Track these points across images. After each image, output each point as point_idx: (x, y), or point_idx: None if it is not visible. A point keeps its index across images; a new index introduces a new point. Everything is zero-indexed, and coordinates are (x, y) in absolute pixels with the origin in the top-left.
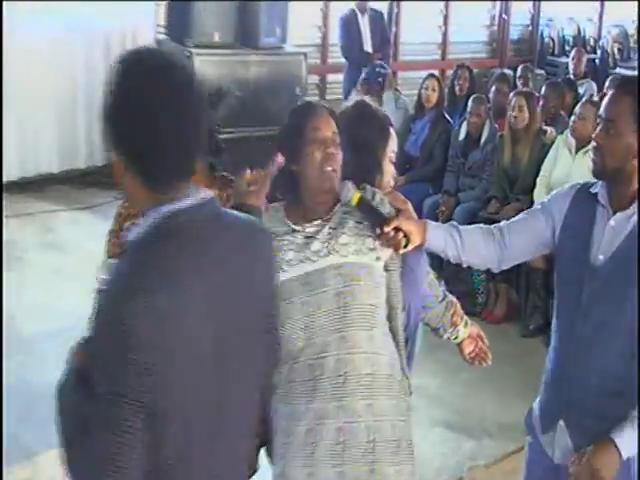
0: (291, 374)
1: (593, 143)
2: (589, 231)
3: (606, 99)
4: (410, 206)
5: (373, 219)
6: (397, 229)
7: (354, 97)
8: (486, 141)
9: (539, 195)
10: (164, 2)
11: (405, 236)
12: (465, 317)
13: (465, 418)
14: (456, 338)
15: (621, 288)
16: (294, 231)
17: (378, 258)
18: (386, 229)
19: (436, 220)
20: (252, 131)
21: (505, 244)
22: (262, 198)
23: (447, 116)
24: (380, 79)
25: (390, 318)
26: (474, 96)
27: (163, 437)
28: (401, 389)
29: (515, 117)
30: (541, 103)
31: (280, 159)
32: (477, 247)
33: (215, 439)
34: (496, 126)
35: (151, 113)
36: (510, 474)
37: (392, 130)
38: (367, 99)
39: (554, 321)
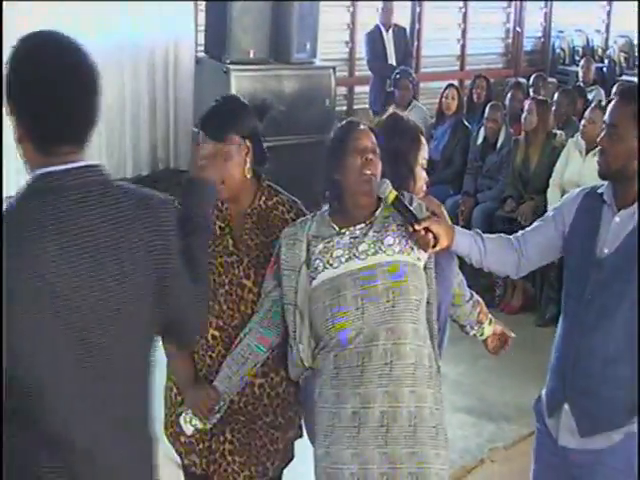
0: (338, 360)
1: (599, 147)
2: (596, 228)
3: (610, 106)
4: (444, 210)
5: (406, 218)
6: (427, 230)
7: (388, 110)
8: (502, 145)
9: (552, 194)
10: (203, 23)
11: (434, 237)
12: (490, 315)
13: (485, 403)
14: (482, 335)
15: (623, 278)
16: (340, 233)
17: (419, 258)
18: (417, 227)
19: (457, 219)
20: (285, 140)
21: (522, 252)
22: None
23: (466, 122)
24: (411, 84)
25: (427, 313)
26: (491, 103)
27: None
28: (437, 380)
29: (525, 119)
30: (553, 109)
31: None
32: (498, 254)
33: (99, 412)
34: (511, 131)
35: (37, 82)
36: (527, 455)
37: (423, 138)
38: (398, 111)
39: (562, 313)
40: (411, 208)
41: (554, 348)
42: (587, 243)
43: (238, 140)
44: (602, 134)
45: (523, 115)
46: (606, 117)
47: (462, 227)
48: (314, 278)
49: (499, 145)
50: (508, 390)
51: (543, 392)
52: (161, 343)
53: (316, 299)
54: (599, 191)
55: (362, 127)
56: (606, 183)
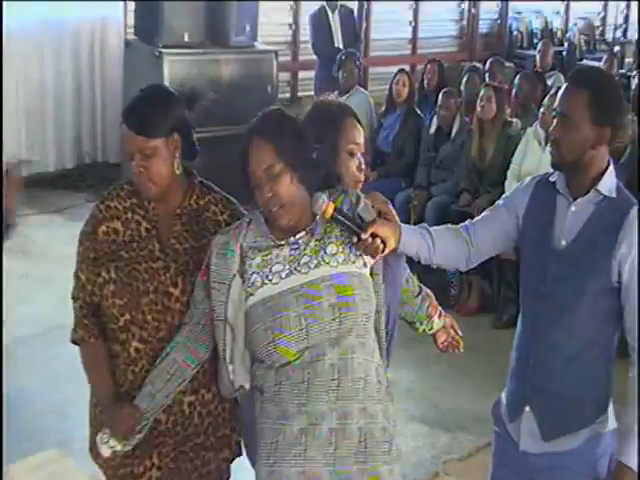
0: (280, 376)
1: (550, 136)
2: (550, 218)
3: (560, 93)
4: (391, 206)
5: (349, 228)
6: (374, 235)
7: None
8: (456, 134)
9: (510, 187)
10: (133, 1)
11: (382, 241)
12: (439, 308)
13: (439, 412)
14: (431, 329)
15: (584, 270)
16: (278, 245)
17: (365, 264)
18: (363, 237)
19: (409, 214)
20: (221, 130)
21: (472, 243)
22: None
23: (418, 111)
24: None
25: (376, 323)
26: (444, 90)
27: None
28: (387, 394)
29: (482, 107)
30: (513, 93)
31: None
32: (447, 248)
33: None
34: (466, 119)
35: None
36: (484, 467)
37: (351, 121)
38: (329, 97)
39: (520, 309)
40: (352, 216)
41: (513, 348)
42: (543, 234)
43: (165, 134)
44: (554, 123)
45: (479, 102)
46: (556, 105)
47: (415, 223)
48: (251, 294)
49: (453, 135)
50: (464, 397)
51: (503, 395)
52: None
53: (254, 319)
54: (551, 179)
55: (254, 138)
56: (557, 172)
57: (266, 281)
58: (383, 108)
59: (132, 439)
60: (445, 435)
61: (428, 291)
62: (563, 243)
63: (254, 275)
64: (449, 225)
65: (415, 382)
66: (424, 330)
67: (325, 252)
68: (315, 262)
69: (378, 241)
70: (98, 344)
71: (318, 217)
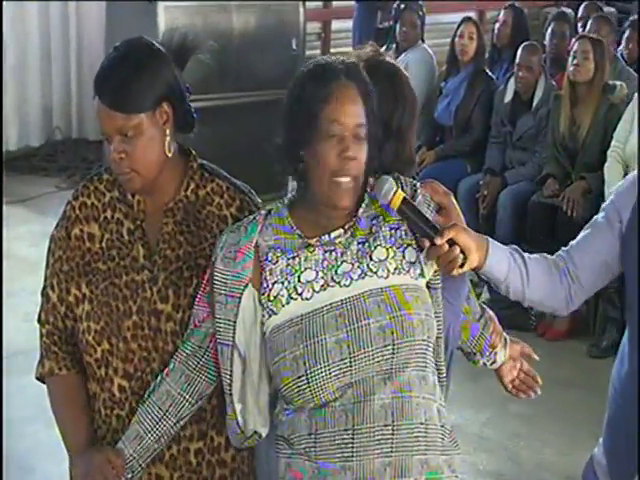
0: (316, 424)
1: None
2: None
3: None
4: (454, 202)
5: (420, 228)
6: (451, 242)
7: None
8: (540, 103)
9: (611, 172)
10: None
11: (462, 253)
12: (505, 335)
13: (519, 467)
14: (494, 363)
15: None
16: (308, 245)
17: (422, 274)
18: (438, 242)
19: (476, 207)
20: (235, 97)
21: (574, 276)
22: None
23: (489, 72)
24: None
25: (435, 352)
26: (525, 44)
27: None
28: (452, 441)
29: (576, 67)
30: (620, 48)
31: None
32: (544, 281)
33: None
34: (553, 83)
35: None
36: None
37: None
38: (381, 53)
39: (628, 338)
40: (426, 212)
41: (615, 390)
42: None
43: (150, 106)
44: None
45: (570, 60)
46: None
47: (485, 218)
48: (274, 312)
49: (535, 103)
50: (551, 447)
51: (597, 453)
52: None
53: (279, 346)
54: None
55: (343, 81)
56: None
57: (294, 295)
58: (443, 69)
59: None
60: None
61: (491, 313)
62: None
63: (277, 286)
64: (544, 254)
65: (487, 427)
66: (484, 364)
67: (371, 258)
68: (359, 271)
69: (457, 251)
70: (71, 377)
71: (362, 209)
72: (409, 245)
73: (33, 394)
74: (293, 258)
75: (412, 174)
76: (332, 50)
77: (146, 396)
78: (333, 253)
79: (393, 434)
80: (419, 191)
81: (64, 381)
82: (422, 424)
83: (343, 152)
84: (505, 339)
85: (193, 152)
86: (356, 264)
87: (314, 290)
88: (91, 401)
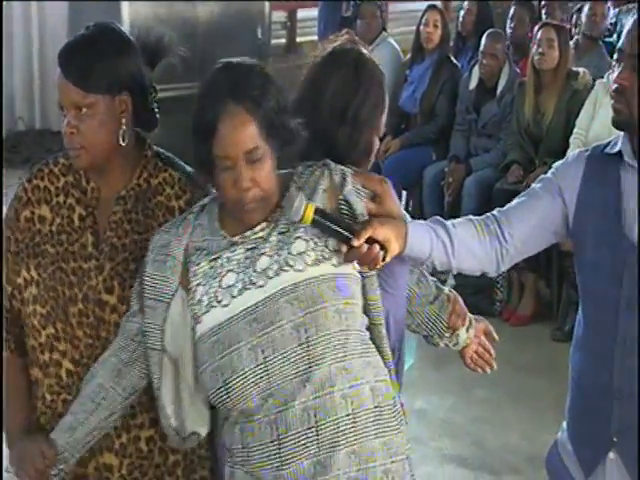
0: (246, 438)
1: (614, 85)
2: (617, 201)
3: (628, 28)
4: (390, 186)
5: (337, 233)
6: (370, 240)
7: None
8: (504, 90)
9: None
10: None
11: (382, 247)
12: (470, 316)
13: (484, 450)
14: (456, 344)
15: None
16: (232, 244)
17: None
18: (356, 244)
19: (441, 194)
20: (196, 87)
21: (505, 239)
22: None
23: (454, 59)
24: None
25: (372, 335)
26: (489, 31)
27: None
28: (394, 418)
29: (541, 55)
30: (577, 35)
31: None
32: (471, 247)
33: None
34: (517, 70)
35: None
36: None
37: (386, 92)
38: (357, 42)
39: (582, 323)
40: (338, 216)
41: (576, 374)
42: (608, 224)
43: (109, 90)
44: (620, 68)
45: (535, 48)
46: (623, 44)
47: (450, 205)
48: (198, 322)
49: (500, 90)
50: (514, 431)
51: (561, 438)
52: None
53: (201, 357)
54: (611, 150)
55: (229, 106)
56: (620, 136)
57: (214, 303)
58: (408, 57)
59: None
60: None
61: (450, 294)
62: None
63: (200, 289)
64: (471, 217)
65: (451, 412)
66: (446, 345)
67: (289, 251)
68: (276, 267)
69: (377, 248)
70: (14, 359)
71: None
72: (347, 258)
73: None
74: (215, 260)
75: (367, 166)
76: (298, 39)
77: (80, 387)
78: (254, 250)
79: (318, 435)
80: (348, 179)
81: (7, 363)
82: (349, 415)
83: (237, 184)
84: (470, 320)
85: (148, 141)
86: (275, 256)
87: (232, 295)
88: (33, 388)
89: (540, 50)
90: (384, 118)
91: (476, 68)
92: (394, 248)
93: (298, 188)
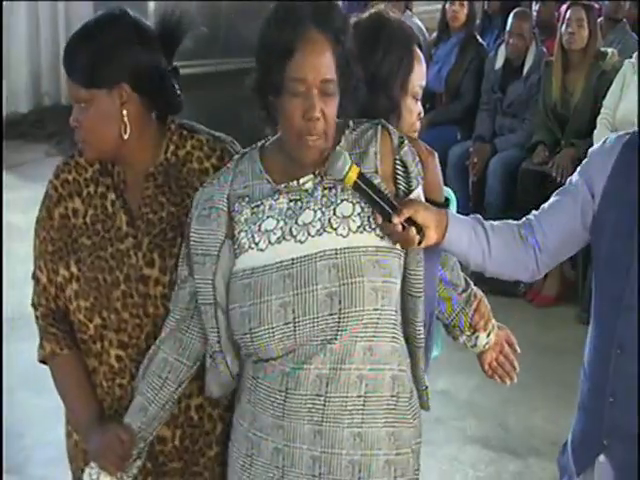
0: (257, 371)
1: None
2: (636, 194)
3: None
4: (436, 158)
5: (377, 204)
6: (410, 221)
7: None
8: (530, 70)
9: (601, 138)
10: None
11: (419, 231)
12: (493, 322)
13: (507, 432)
14: (474, 347)
15: None
16: (275, 191)
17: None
18: (395, 220)
19: (466, 174)
20: (224, 63)
21: (541, 248)
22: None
23: (480, 38)
24: None
25: (406, 309)
26: (516, 10)
27: None
28: (409, 410)
29: (570, 34)
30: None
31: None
32: (508, 252)
33: None
34: (543, 49)
35: None
36: None
37: (421, 55)
38: (387, 10)
39: (592, 317)
40: (411, 165)
41: (584, 373)
42: (626, 217)
43: (106, 84)
44: None
45: (564, 28)
46: None
47: (474, 185)
48: (236, 257)
49: (526, 70)
50: (538, 413)
51: (570, 437)
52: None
53: (232, 295)
54: None
55: (310, 29)
56: None
57: (252, 245)
58: (434, 35)
59: (130, 469)
60: (514, 462)
61: (479, 293)
62: None
63: (242, 234)
64: (510, 222)
65: (476, 393)
66: (465, 344)
67: (334, 212)
68: (318, 225)
69: (413, 232)
70: (73, 355)
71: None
72: (383, 231)
73: (20, 363)
74: (257, 206)
75: (395, 125)
76: None
77: (144, 367)
78: (298, 202)
79: (325, 405)
80: (406, 141)
81: (66, 361)
82: (360, 397)
83: (308, 112)
84: (493, 326)
85: (170, 117)
86: (318, 212)
87: (269, 241)
88: (92, 376)
89: (570, 30)
90: (417, 78)
91: (502, 47)
92: (431, 236)
93: (349, 144)
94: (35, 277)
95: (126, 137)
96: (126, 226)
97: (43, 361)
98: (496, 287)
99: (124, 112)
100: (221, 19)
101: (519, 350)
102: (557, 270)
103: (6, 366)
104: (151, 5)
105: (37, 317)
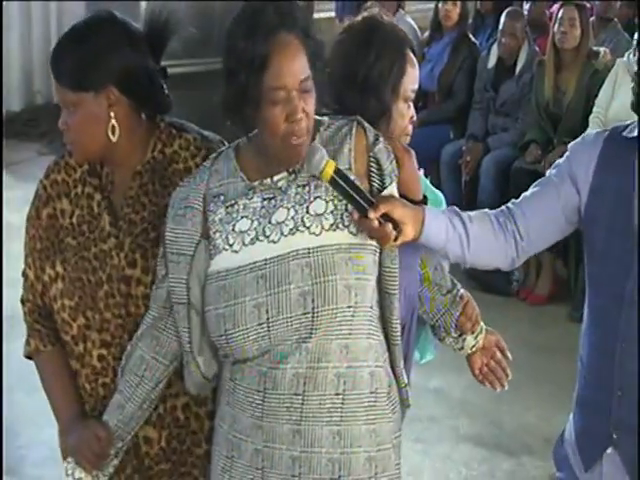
0: (236, 373)
1: (633, 67)
2: (630, 188)
3: None
4: (412, 156)
5: (353, 199)
6: (385, 216)
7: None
8: (523, 69)
9: None
10: None
11: (396, 226)
12: (481, 324)
13: (500, 430)
14: (461, 349)
15: None
16: (250, 188)
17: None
18: (371, 216)
19: (459, 173)
20: (217, 63)
21: (520, 233)
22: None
23: (472, 38)
24: None
25: (383, 306)
26: (508, 10)
27: None
28: (388, 405)
29: (563, 34)
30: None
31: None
32: (486, 243)
33: None
34: (536, 48)
35: None
36: None
37: (413, 58)
38: (380, 14)
39: (587, 313)
40: (385, 162)
41: (581, 364)
42: (619, 213)
43: (92, 87)
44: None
45: (557, 27)
46: None
47: (467, 183)
48: (211, 258)
49: (519, 69)
50: (532, 412)
51: (568, 430)
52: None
53: (207, 297)
54: (629, 134)
55: (281, 34)
56: (637, 119)
57: (226, 246)
58: (426, 34)
59: (106, 467)
60: (507, 460)
61: (466, 294)
62: None
63: (217, 235)
64: (487, 211)
65: (469, 392)
66: (451, 346)
67: (307, 210)
68: (291, 224)
69: (389, 227)
70: (56, 352)
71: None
72: (359, 226)
73: (14, 362)
74: (232, 205)
75: (387, 129)
76: (314, 15)
77: (122, 364)
78: (272, 201)
79: (302, 404)
80: (380, 138)
81: (50, 357)
82: (338, 395)
83: (292, 116)
84: (481, 328)
85: (159, 116)
86: (292, 211)
87: (243, 243)
88: (76, 379)
89: (562, 29)
90: (409, 82)
91: (495, 46)
92: (408, 232)
93: (323, 141)
94: (24, 273)
95: (114, 139)
96: (109, 226)
97: (29, 357)
98: (489, 285)
99: (112, 114)
100: (215, 19)
101: (510, 357)
102: (550, 269)
103: (5, 365)
104: (143, 5)
105: (24, 313)
